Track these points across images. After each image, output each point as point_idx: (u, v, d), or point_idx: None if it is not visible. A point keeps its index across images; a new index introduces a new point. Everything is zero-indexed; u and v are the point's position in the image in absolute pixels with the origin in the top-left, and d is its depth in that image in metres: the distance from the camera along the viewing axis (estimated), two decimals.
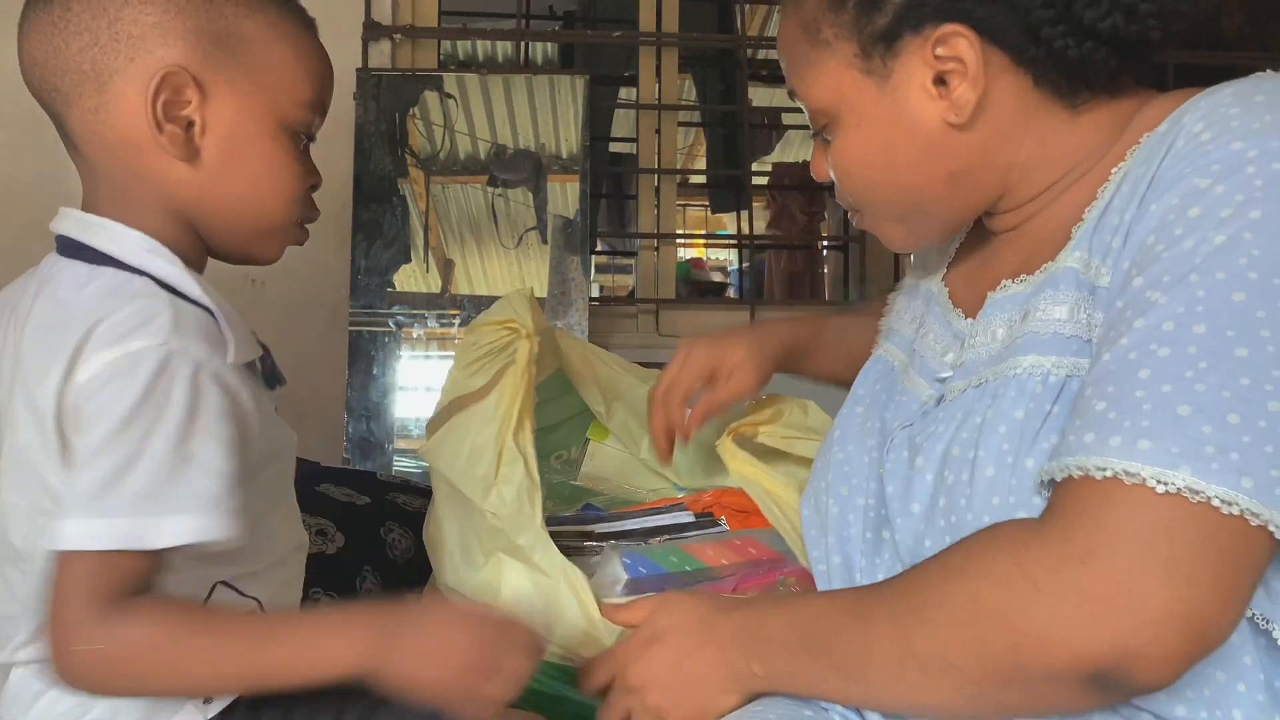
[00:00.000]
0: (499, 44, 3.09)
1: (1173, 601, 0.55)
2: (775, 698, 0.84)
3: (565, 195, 2.19)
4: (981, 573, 0.62)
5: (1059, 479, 0.61)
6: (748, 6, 2.62)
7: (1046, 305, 0.69)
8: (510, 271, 2.21)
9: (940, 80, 0.72)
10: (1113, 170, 0.70)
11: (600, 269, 4.80)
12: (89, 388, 0.70)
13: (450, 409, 1.07)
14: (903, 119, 0.74)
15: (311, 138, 0.85)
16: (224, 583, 0.80)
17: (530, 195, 2.18)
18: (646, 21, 2.40)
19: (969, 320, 0.79)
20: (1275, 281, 0.57)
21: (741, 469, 1.06)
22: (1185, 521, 0.55)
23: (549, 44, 3.30)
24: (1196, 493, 0.55)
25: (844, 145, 0.77)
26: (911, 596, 0.66)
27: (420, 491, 1.41)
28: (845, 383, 0.93)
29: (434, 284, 2.18)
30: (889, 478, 0.77)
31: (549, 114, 2.22)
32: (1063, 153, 0.74)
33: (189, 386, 0.71)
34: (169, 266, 0.77)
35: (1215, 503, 0.55)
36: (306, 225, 0.88)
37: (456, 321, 2.17)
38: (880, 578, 0.76)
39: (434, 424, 1.08)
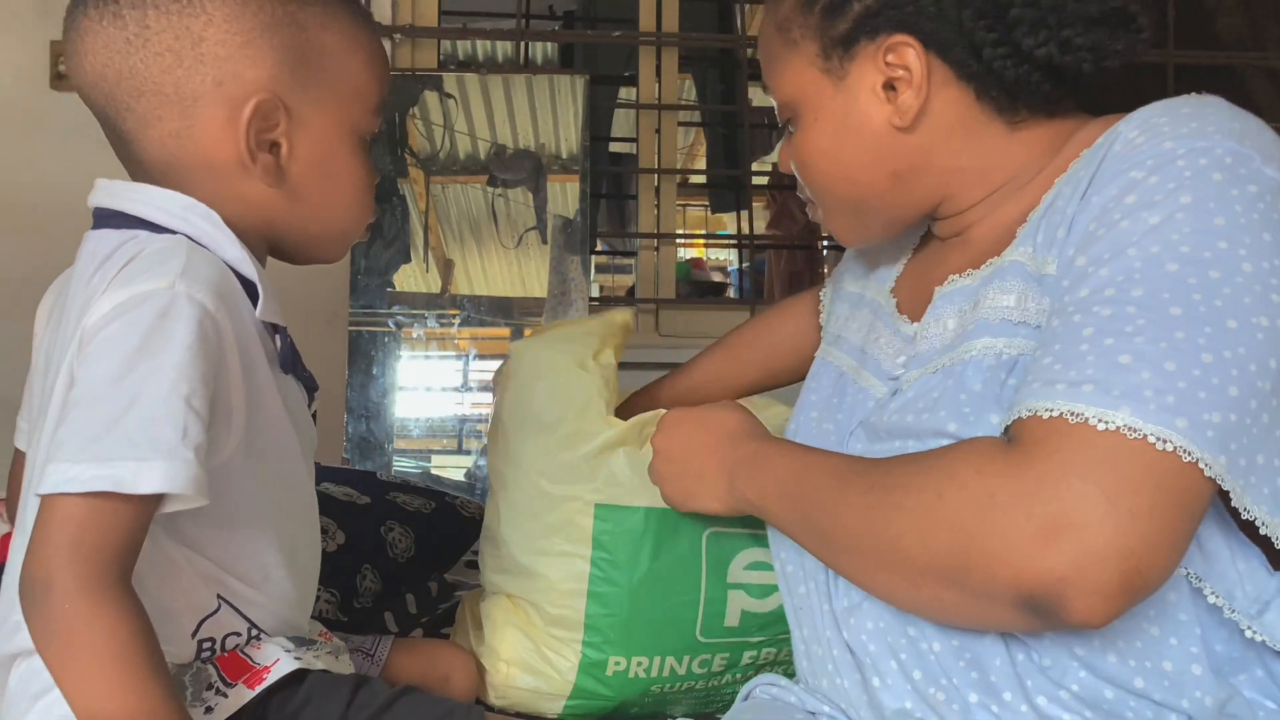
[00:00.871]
0: (499, 44, 3.09)
1: (1115, 535, 0.58)
2: (767, 705, 0.85)
3: (565, 195, 2.19)
4: (950, 475, 0.65)
5: (1010, 420, 0.66)
6: (748, 6, 2.62)
7: (995, 294, 0.74)
8: (510, 271, 2.21)
9: (890, 86, 0.78)
10: (1056, 180, 0.75)
11: (600, 269, 4.80)
12: (95, 327, 0.68)
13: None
14: (853, 117, 0.80)
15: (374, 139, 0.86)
16: (222, 598, 0.77)
17: (530, 195, 2.19)
18: (646, 21, 2.40)
19: (915, 323, 0.82)
20: (1204, 254, 0.63)
21: None
22: (1126, 457, 0.59)
23: (549, 44, 3.31)
24: (1134, 430, 0.59)
25: (802, 138, 0.83)
26: (889, 477, 0.70)
27: (420, 491, 1.41)
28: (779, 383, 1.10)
29: (434, 284, 2.18)
30: None
31: (549, 114, 2.22)
32: (1000, 164, 0.79)
33: (194, 330, 0.68)
34: (205, 224, 0.76)
35: (1152, 439, 0.59)
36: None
37: (456, 321, 2.17)
38: None
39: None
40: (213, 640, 0.77)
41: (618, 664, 1.00)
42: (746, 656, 1.03)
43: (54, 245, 0.80)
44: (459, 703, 0.86)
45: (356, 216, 0.85)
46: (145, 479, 0.64)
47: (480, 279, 2.22)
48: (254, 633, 0.79)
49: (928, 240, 0.91)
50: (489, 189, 2.19)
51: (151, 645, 0.67)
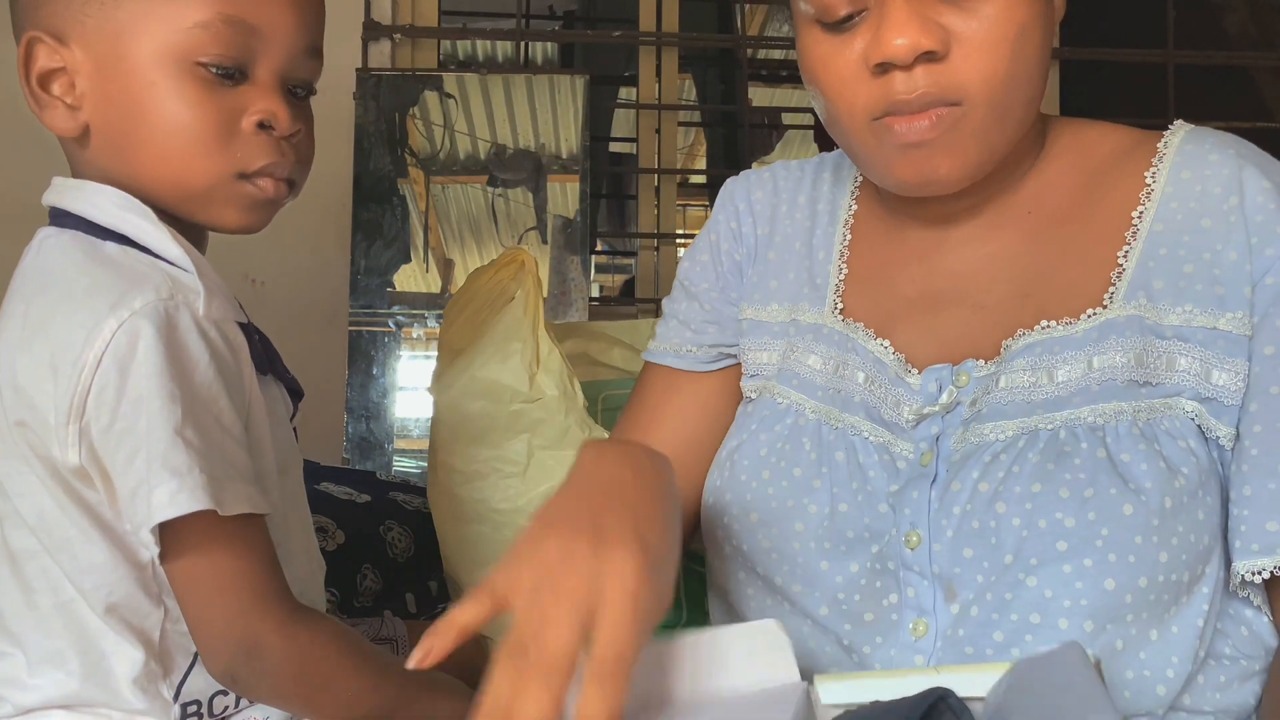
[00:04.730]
0: (499, 44, 3.10)
1: None
2: None
3: (565, 195, 2.19)
4: None
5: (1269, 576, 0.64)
6: (748, 6, 2.62)
7: (1110, 353, 0.67)
8: None
9: None
10: (1133, 215, 0.71)
11: (600, 269, 4.80)
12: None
13: (454, 348, 1.08)
14: (1050, 11, 0.69)
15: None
16: None
17: (530, 195, 2.18)
18: (646, 21, 2.40)
19: (984, 362, 0.70)
20: None
21: None
22: None
23: (549, 44, 3.31)
24: None
25: (1008, 7, 0.64)
26: None
27: (419, 491, 1.41)
28: None
29: (434, 284, 2.18)
30: (936, 538, 0.68)
31: (549, 114, 2.22)
32: (1030, 131, 0.72)
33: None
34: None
35: None
36: None
37: None
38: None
39: (441, 366, 1.10)
40: (199, 703, 0.75)
41: None
42: None
43: None
44: None
45: (195, 163, 0.73)
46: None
47: None
48: None
49: (868, 238, 0.79)
50: (489, 189, 2.19)
51: (349, 630, 0.75)
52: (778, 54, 3.51)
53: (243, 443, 0.71)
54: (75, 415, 0.67)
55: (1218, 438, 0.67)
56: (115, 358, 0.66)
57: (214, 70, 0.72)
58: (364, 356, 2.10)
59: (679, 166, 3.31)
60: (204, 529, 0.67)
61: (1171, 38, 2.30)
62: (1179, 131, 0.73)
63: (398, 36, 2.21)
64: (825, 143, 3.12)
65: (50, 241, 0.74)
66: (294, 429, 0.84)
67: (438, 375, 1.09)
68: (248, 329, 0.77)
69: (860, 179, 0.84)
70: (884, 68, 0.65)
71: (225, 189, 0.74)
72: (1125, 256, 0.70)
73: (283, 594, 0.71)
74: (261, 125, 0.74)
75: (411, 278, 2.15)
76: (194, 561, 0.68)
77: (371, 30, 2.18)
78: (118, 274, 0.70)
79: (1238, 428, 0.67)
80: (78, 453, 0.68)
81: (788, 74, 3.53)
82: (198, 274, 0.72)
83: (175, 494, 0.65)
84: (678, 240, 2.48)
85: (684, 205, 5.05)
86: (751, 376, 0.82)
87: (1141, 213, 0.71)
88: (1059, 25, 0.71)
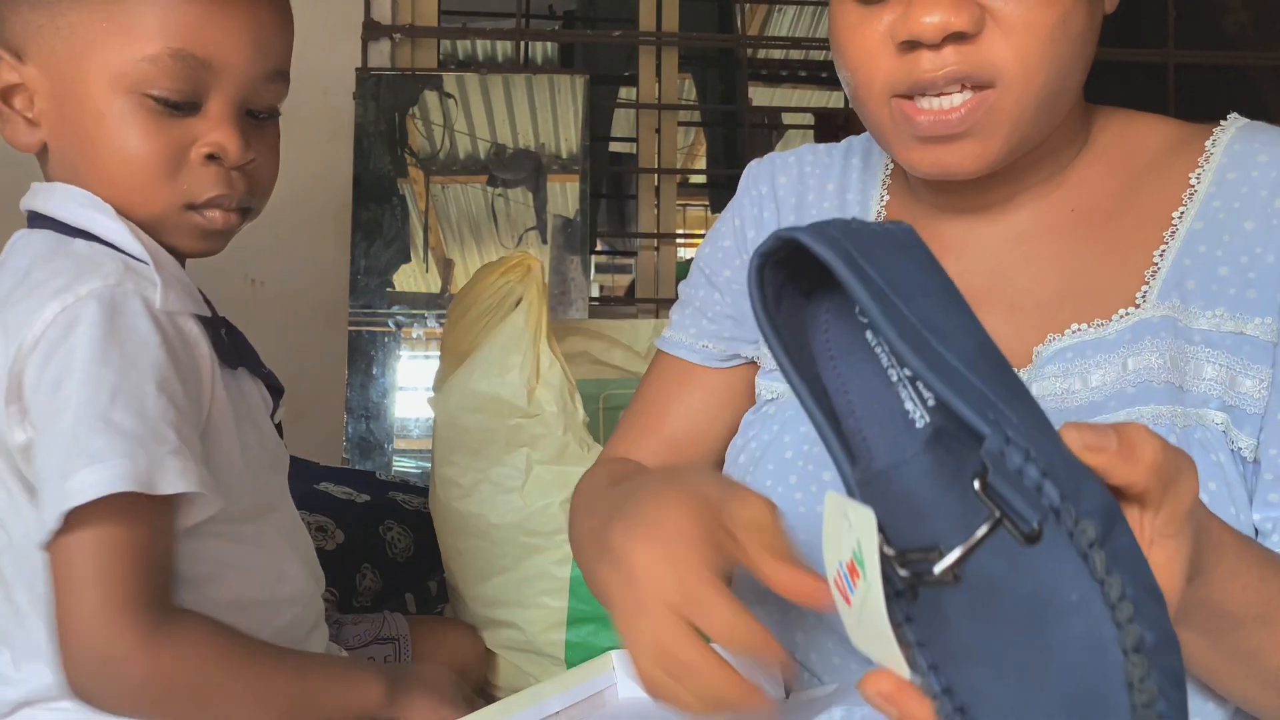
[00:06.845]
0: (499, 43, 3.09)
1: None
2: None
3: (565, 195, 2.19)
4: None
5: None
6: (748, 6, 2.62)
7: (1145, 354, 0.65)
8: None
9: None
10: (1175, 215, 0.68)
11: (600, 269, 4.80)
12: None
13: (457, 351, 1.07)
14: (1098, 2, 0.66)
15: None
16: None
17: (530, 195, 2.18)
18: (646, 21, 2.40)
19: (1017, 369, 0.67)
20: None
21: None
22: None
23: (549, 44, 3.31)
24: None
25: None
26: None
27: (419, 491, 1.41)
28: None
29: (434, 284, 2.18)
30: None
31: (549, 114, 2.22)
32: (1070, 118, 0.69)
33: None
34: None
35: None
36: None
37: None
38: None
39: (442, 373, 1.09)
40: None
41: None
42: None
43: None
44: None
45: (142, 193, 0.73)
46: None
47: None
48: None
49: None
50: (489, 189, 2.19)
51: (234, 634, 0.71)
52: (778, 54, 3.51)
53: (195, 424, 0.71)
54: (14, 395, 0.68)
55: (1239, 449, 0.63)
56: (49, 339, 0.66)
57: (163, 103, 0.72)
58: (364, 356, 2.10)
59: (679, 166, 3.31)
60: (99, 514, 0.65)
61: (1172, 37, 2.30)
62: (1230, 128, 0.70)
63: (397, 36, 2.21)
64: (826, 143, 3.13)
65: (20, 242, 0.76)
66: (278, 425, 0.83)
67: (438, 384, 1.09)
68: (215, 322, 0.77)
69: (891, 168, 0.81)
70: (911, 45, 0.62)
71: (174, 218, 0.75)
72: (1161, 256, 0.67)
73: (151, 602, 0.67)
74: (210, 157, 0.74)
75: (411, 278, 2.15)
76: (73, 544, 0.65)
77: (371, 30, 2.18)
78: (74, 263, 0.70)
79: (1259, 437, 0.63)
80: (24, 434, 0.68)
81: (788, 74, 3.53)
82: (155, 266, 0.72)
83: (97, 479, 0.63)
84: (678, 240, 2.49)
85: (684, 205, 5.04)
86: (769, 372, 0.79)
87: (1182, 213, 0.68)
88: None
